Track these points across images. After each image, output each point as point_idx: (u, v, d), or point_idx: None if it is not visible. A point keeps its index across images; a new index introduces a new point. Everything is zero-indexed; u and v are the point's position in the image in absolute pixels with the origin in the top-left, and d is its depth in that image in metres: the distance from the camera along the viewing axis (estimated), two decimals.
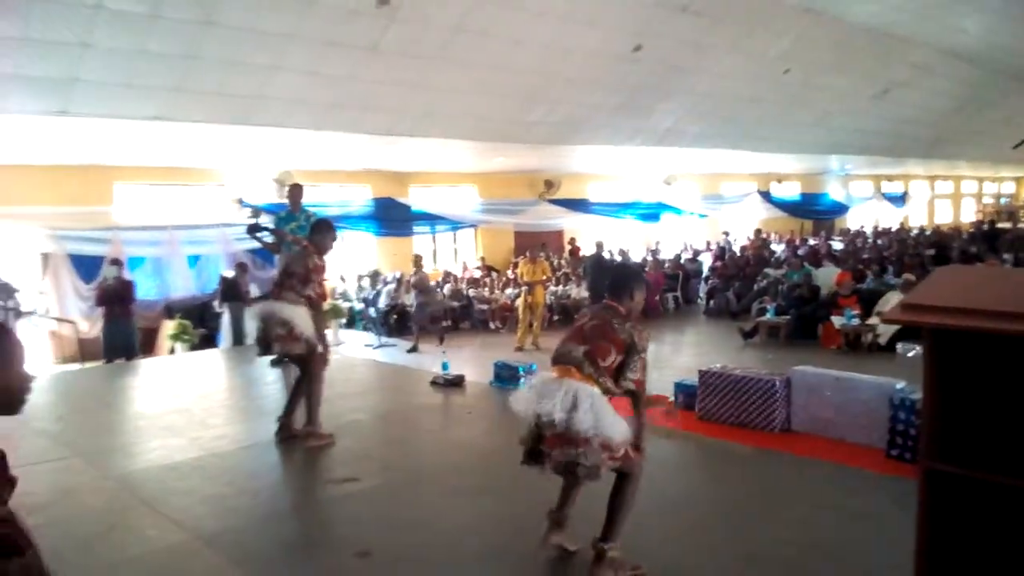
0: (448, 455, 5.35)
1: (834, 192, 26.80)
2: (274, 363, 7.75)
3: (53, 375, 9.56)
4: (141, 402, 7.16)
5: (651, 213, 21.01)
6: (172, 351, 11.43)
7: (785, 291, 12.30)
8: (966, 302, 1.88)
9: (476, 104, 12.12)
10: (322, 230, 5.42)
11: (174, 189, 13.91)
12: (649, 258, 18.14)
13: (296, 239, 7.67)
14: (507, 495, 4.54)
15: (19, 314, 11.18)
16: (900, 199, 29.95)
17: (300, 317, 5.16)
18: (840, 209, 27.03)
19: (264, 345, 5.29)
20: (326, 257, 5.48)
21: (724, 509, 4.25)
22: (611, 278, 3.72)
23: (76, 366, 10.71)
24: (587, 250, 19.84)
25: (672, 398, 6.32)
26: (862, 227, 25.07)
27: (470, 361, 8.28)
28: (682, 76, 13.69)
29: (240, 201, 13.34)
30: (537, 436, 3.29)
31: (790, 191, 25.52)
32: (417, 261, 13.23)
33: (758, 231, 20.73)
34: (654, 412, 4.62)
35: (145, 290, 12.64)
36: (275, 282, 5.42)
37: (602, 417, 3.12)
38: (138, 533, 3.99)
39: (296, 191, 7.87)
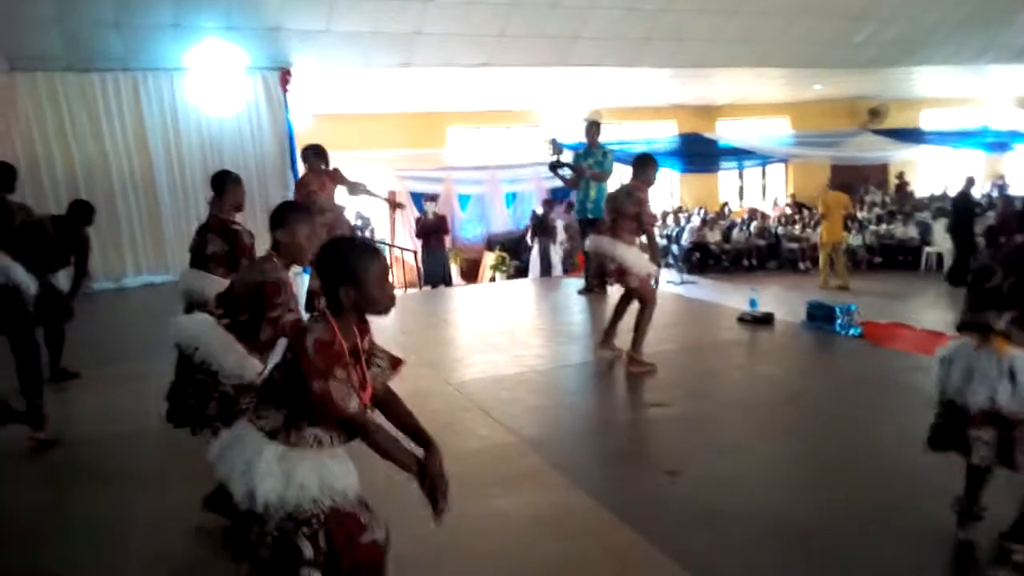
0: (756, 391, 5.31)
1: None
2: (581, 291, 8.24)
3: (399, 296, 11.06)
4: (470, 322, 8.04)
5: (1001, 143, 18.13)
6: (492, 279, 12.58)
7: None
8: None
9: (795, 27, 11.34)
10: (646, 164, 5.53)
11: (496, 131, 15.04)
12: (995, 194, 15.78)
13: (594, 174, 7.99)
14: (819, 436, 4.42)
15: (373, 243, 13.05)
16: None
17: (634, 255, 5.38)
18: None
19: (600, 279, 5.58)
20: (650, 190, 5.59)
21: None
22: None
23: (415, 290, 12.26)
24: (920, 185, 17.87)
25: None
26: None
27: (777, 300, 8.02)
28: None
29: (553, 141, 14.02)
30: (952, 415, 2.87)
31: None
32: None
33: None
34: None
35: (472, 228, 14.03)
36: (609, 219, 5.58)
37: None
38: (475, 432, 4.57)
39: (593, 128, 8.19)
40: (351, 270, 2.14)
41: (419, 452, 2.26)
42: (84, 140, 9.22)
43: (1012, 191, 16.30)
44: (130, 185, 9.47)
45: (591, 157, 8.09)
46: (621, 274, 5.38)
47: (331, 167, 7.22)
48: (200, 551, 3.19)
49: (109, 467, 4.20)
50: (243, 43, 9.26)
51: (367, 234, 12.93)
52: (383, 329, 7.09)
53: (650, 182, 5.50)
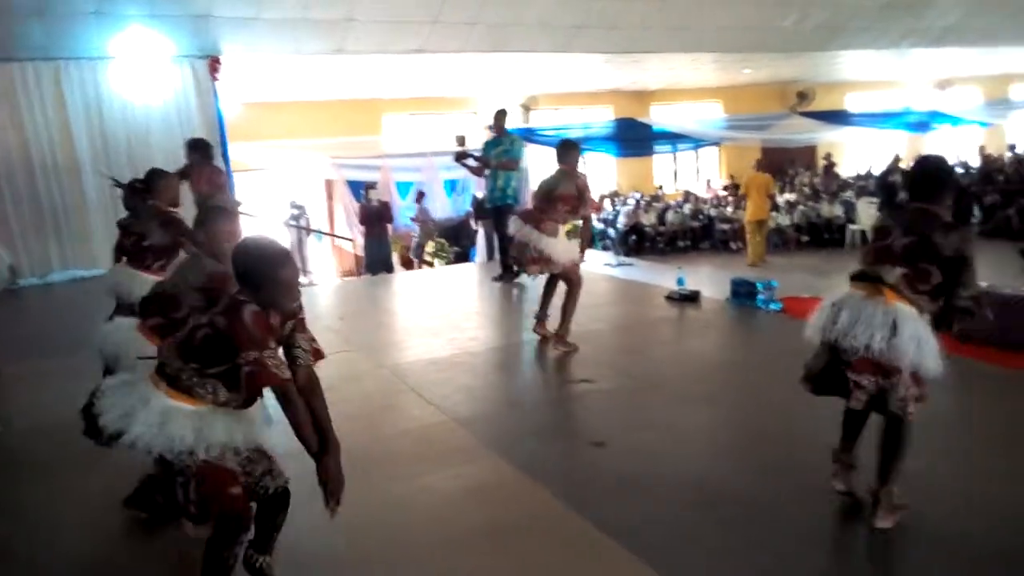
0: (681, 365, 5.52)
1: None
2: (496, 279, 8.28)
3: (336, 284, 11.08)
4: (407, 307, 8.12)
5: (922, 123, 18.84)
6: (432, 265, 12.63)
7: None
8: None
9: (725, 12, 11.59)
10: (569, 148, 5.63)
11: (433, 118, 15.03)
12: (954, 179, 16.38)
13: (501, 163, 7.96)
14: (738, 405, 4.67)
15: (308, 231, 12.96)
16: None
17: (553, 243, 5.46)
18: None
19: (520, 265, 5.67)
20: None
21: (993, 431, 4.02)
22: (919, 175, 3.09)
23: (354, 278, 12.24)
24: (846, 166, 18.49)
25: None
26: None
27: (708, 278, 8.27)
28: None
29: (490, 126, 13.91)
30: (833, 361, 3.03)
31: None
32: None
33: (1011, 145, 18.14)
34: None
35: (410, 215, 14.00)
36: (536, 206, 5.65)
37: (924, 345, 2.83)
38: (407, 412, 4.67)
39: (500, 116, 8.16)
40: (255, 279, 2.35)
41: None
42: (4, 130, 8.93)
43: None
44: (53, 177, 9.21)
45: (499, 145, 8.04)
46: (545, 262, 5.49)
47: (210, 165, 6.85)
48: (124, 540, 3.25)
49: (33, 458, 4.18)
50: (169, 31, 9.07)
51: (302, 222, 12.83)
52: (320, 317, 7.15)
53: (574, 165, 5.62)
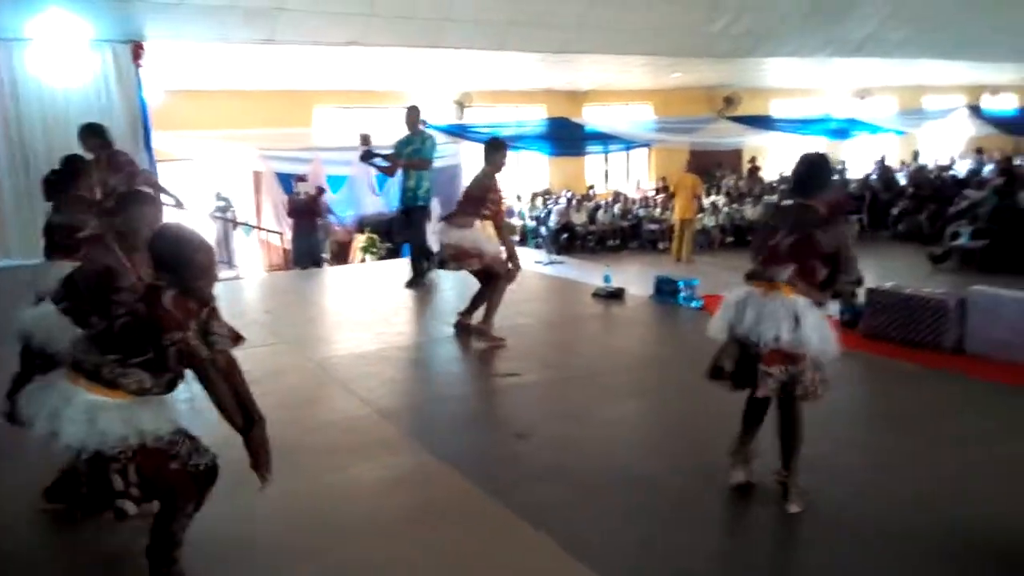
0: (605, 359, 5.65)
1: None
2: (408, 284, 8.11)
3: (263, 278, 10.90)
4: (336, 302, 8.05)
5: (841, 129, 19.60)
6: (363, 260, 12.52)
7: (987, 214, 11.34)
8: None
9: (655, 16, 11.82)
10: (494, 148, 5.64)
11: (366, 111, 14.87)
12: (835, 178, 17.08)
13: (410, 162, 7.61)
14: (658, 397, 4.82)
15: (235, 224, 12.70)
16: None
17: (467, 238, 5.48)
18: None
19: (440, 263, 5.69)
20: (499, 176, 5.64)
21: (893, 421, 4.26)
22: (799, 171, 3.27)
23: (281, 272, 12.04)
24: (770, 170, 19.09)
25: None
26: None
27: (635, 276, 8.48)
28: None
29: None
30: (742, 355, 3.17)
31: (1006, 105, 22.68)
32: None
33: (915, 152, 19.19)
34: None
35: (342, 209, 13.77)
36: (457, 203, 5.73)
37: (823, 332, 3.05)
38: (331, 405, 4.68)
39: (413, 113, 7.81)
40: (172, 263, 2.42)
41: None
42: None
43: (849, 175, 17.78)
44: None
45: (411, 144, 7.73)
46: (458, 258, 5.52)
47: (109, 149, 6.23)
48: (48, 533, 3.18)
49: None
50: (88, 14, 8.74)
51: (229, 215, 12.56)
52: (246, 311, 7.04)
53: (499, 166, 5.62)
